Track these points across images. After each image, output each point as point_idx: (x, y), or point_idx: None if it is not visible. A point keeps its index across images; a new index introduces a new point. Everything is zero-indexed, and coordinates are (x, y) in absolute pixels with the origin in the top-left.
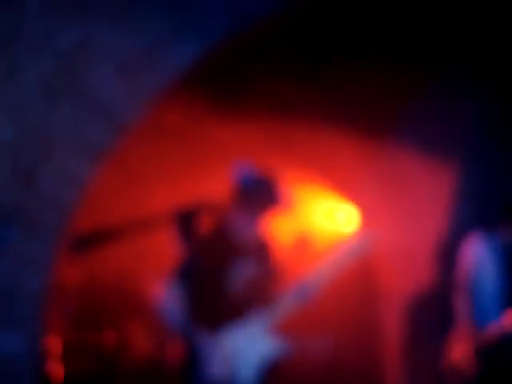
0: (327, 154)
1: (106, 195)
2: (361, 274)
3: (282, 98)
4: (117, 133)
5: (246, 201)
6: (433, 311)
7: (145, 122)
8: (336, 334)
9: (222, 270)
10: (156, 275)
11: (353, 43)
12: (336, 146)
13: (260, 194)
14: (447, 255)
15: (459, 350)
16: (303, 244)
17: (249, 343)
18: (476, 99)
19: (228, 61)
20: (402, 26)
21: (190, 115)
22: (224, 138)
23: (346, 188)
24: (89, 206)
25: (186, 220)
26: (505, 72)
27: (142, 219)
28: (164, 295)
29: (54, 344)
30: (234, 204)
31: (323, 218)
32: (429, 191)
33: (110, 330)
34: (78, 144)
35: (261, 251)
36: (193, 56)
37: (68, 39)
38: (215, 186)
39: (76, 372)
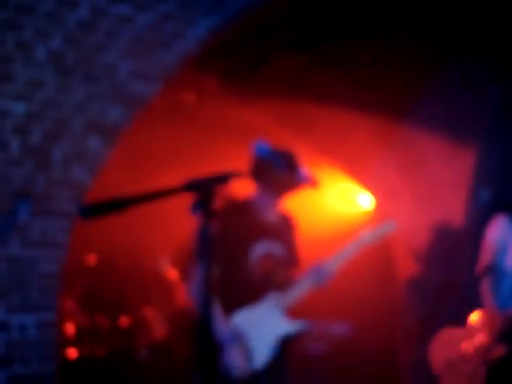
0: (344, 136)
1: (118, 174)
2: (380, 258)
3: (298, 78)
4: (129, 111)
5: (266, 176)
6: (452, 295)
7: (158, 101)
8: (355, 318)
9: (242, 249)
10: (168, 255)
11: (372, 23)
12: (353, 128)
13: (280, 167)
14: (467, 238)
15: (483, 335)
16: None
17: (265, 324)
18: (495, 82)
19: (243, 39)
20: (423, 4)
21: (204, 95)
22: (239, 118)
23: (363, 171)
24: (100, 185)
25: (204, 193)
26: None
27: (154, 190)
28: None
29: (69, 327)
30: (255, 180)
31: (339, 201)
32: (448, 174)
33: (126, 313)
34: (90, 123)
35: (283, 232)
36: (206, 33)
37: (78, 16)
38: (231, 166)
39: (90, 356)
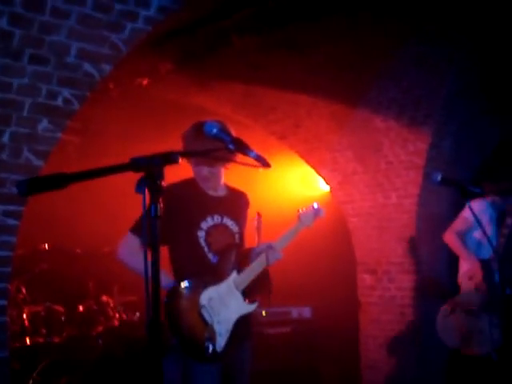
0: (300, 120)
1: (70, 159)
2: (339, 241)
3: (255, 62)
4: (80, 93)
5: (214, 154)
6: (409, 276)
7: (111, 83)
8: (315, 301)
9: (192, 223)
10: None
11: (326, 6)
12: (309, 112)
13: (229, 146)
14: (423, 220)
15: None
16: None
17: (227, 306)
18: (450, 65)
19: (198, 22)
20: None
21: (159, 78)
22: (194, 102)
23: (320, 155)
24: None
25: (149, 172)
26: (480, 38)
27: (98, 167)
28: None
29: (22, 314)
30: (200, 157)
31: (298, 184)
32: (403, 157)
33: (83, 300)
34: (38, 105)
35: (233, 207)
36: (158, 14)
37: None
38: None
39: (45, 343)
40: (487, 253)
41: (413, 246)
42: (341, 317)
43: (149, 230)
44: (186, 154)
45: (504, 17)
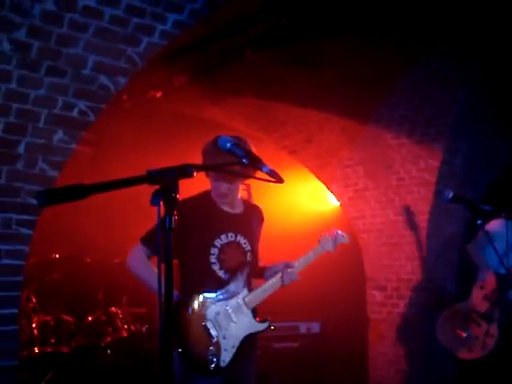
0: (311, 136)
1: (86, 167)
2: (349, 258)
3: (268, 77)
4: (95, 105)
5: (228, 168)
6: (419, 293)
7: (126, 98)
8: (324, 316)
9: (205, 240)
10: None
11: (340, 23)
12: (320, 127)
13: (243, 161)
14: (433, 237)
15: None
16: None
17: (234, 323)
18: (461, 83)
19: (213, 37)
20: (392, 4)
21: (173, 91)
22: (207, 115)
23: (331, 170)
24: (68, 178)
25: (164, 184)
26: (492, 56)
27: (114, 180)
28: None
29: (32, 324)
30: (216, 173)
31: (309, 199)
32: (414, 174)
33: (92, 311)
34: (54, 116)
35: (248, 224)
36: (174, 28)
37: (44, 7)
38: (196, 161)
39: (54, 352)
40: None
41: (423, 263)
42: (349, 333)
43: (163, 243)
44: (201, 167)
45: None
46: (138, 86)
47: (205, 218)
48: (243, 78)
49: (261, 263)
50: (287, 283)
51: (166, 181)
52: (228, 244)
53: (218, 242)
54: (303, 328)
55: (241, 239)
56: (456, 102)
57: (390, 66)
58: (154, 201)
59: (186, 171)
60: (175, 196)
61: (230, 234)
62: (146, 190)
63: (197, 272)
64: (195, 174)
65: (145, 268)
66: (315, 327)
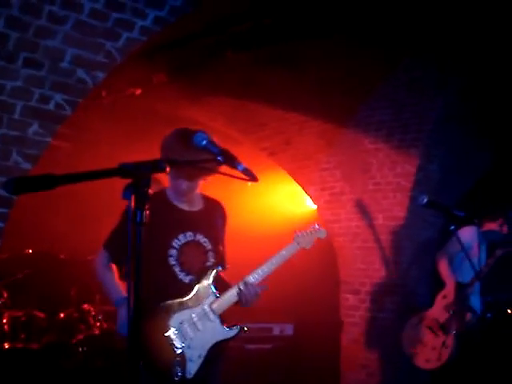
0: (290, 137)
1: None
2: (324, 260)
3: (247, 78)
4: (72, 99)
5: (200, 162)
6: (392, 297)
7: (105, 94)
8: (297, 318)
9: (164, 244)
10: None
11: (321, 25)
12: (299, 130)
13: (218, 157)
14: (408, 243)
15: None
16: None
17: (201, 332)
18: (440, 89)
19: (193, 35)
20: (374, 9)
21: (152, 88)
22: (186, 114)
23: (308, 173)
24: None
25: (136, 178)
26: (470, 66)
27: (85, 171)
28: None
29: (2, 319)
30: (177, 170)
31: (286, 202)
32: (390, 179)
33: (65, 307)
34: (30, 108)
35: (209, 222)
36: (154, 24)
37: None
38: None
39: (24, 348)
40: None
41: (397, 268)
42: (322, 335)
43: (133, 238)
44: (174, 162)
45: (495, 44)
46: (118, 82)
47: (160, 218)
48: (223, 78)
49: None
50: (250, 301)
51: (138, 175)
52: (187, 244)
53: (175, 243)
54: (276, 330)
55: (200, 238)
56: (433, 110)
57: (369, 72)
58: (126, 194)
59: (158, 166)
60: (147, 190)
61: (188, 234)
62: (123, 187)
63: (156, 276)
64: (168, 169)
65: (103, 274)
66: (288, 329)
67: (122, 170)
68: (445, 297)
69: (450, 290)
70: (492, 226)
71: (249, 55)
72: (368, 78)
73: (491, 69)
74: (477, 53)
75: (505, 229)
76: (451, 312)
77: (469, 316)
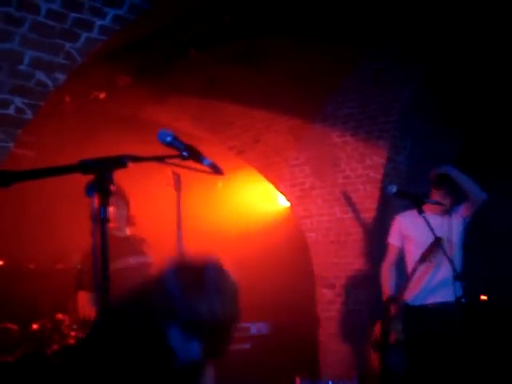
0: (259, 135)
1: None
2: (299, 256)
3: (212, 76)
4: (33, 103)
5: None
6: (364, 292)
7: (69, 99)
8: (274, 316)
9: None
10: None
11: (284, 21)
12: (267, 127)
13: (183, 153)
14: (380, 235)
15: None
16: None
17: None
18: (405, 81)
19: (155, 35)
20: (338, 4)
21: (116, 90)
22: (151, 115)
23: (278, 169)
24: None
25: (99, 174)
26: (434, 56)
27: (45, 167)
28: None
29: None
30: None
31: (259, 200)
32: (360, 172)
33: (37, 319)
34: None
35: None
36: (114, 23)
37: None
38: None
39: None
40: None
41: (370, 260)
42: (300, 332)
43: (98, 237)
44: (136, 158)
45: (459, 32)
46: (81, 86)
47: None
48: (188, 77)
49: None
50: None
51: (100, 171)
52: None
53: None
54: (254, 329)
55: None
56: (399, 101)
57: (333, 65)
58: (89, 191)
59: (120, 161)
60: (109, 187)
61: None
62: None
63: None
64: (129, 164)
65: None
66: (265, 328)
67: (83, 166)
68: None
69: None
70: (435, 197)
71: (212, 53)
72: (332, 71)
73: (453, 56)
74: (438, 41)
75: (447, 201)
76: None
77: (394, 336)
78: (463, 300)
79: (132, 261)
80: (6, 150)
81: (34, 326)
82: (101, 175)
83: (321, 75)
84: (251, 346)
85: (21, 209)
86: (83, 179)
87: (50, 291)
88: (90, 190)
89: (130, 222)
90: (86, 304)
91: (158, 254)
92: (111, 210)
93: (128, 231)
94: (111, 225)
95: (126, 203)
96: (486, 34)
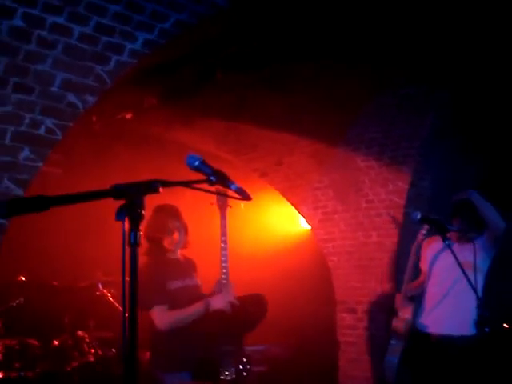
0: (282, 158)
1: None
2: (320, 279)
3: (238, 100)
4: (63, 124)
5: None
6: (385, 317)
7: (96, 119)
8: (294, 340)
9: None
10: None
11: (311, 48)
12: (291, 150)
13: (211, 178)
14: (403, 260)
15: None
16: None
17: None
18: (429, 108)
19: (183, 59)
20: (362, 31)
21: (143, 112)
22: (177, 137)
23: (301, 193)
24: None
25: (130, 199)
26: (459, 82)
27: (78, 192)
28: None
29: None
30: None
31: (281, 222)
32: (383, 197)
33: (58, 335)
34: (21, 133)
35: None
36: (144, 47)
37: (12, 24)
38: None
39: (19, 377)
40: None
41: (393, 285)
42: (320, 356)
43: (128, 258)
44: (167, 183)
45: (483, 59)
46: (108, 106)
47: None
48: (214, 100)
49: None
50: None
51: (131, 195)
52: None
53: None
54: (273, 352)
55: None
56: (424, 126)
57: (359, 90)
58: (119, 216)
59: (151, 186)
60: (141, 211)
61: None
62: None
63: None
64: (161, 189)
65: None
66: (286, 351)
67: (115, 191)
68: None
69: None
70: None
71: (238, 77)
72: (357, 96)
73: (477, 82)
74: (463, 68)
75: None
76: None
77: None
78: (486, 329)
79: (189, 282)
80: (35, 169)
81: (55, 343)
82: (132, 200)
83: (345, 100)
84: (269, 369)
85: (45, 226)
86: (108, 200)
87: (72, 308)
88: (121, 214)
89: (185, 245)
90: (162, 316)
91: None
92: (176, 236)
93: (179, 253)
94: (169, 248)
95: (186, 229)
96: None
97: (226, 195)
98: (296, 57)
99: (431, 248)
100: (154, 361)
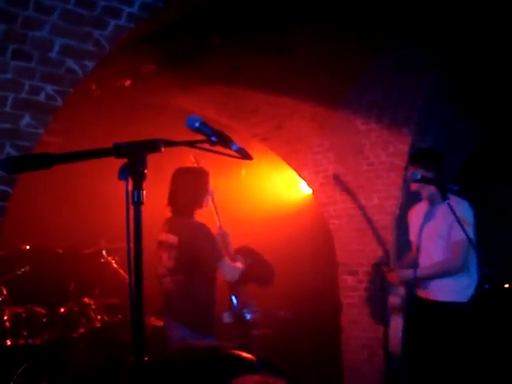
0: (282, 122)
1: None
2: (321, 243)
3: (237, 65)
4: (63, 90)
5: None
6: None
7: (95, 87)
8: (297, 303)
9: None
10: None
11: (307, 9)
12: (291, 114)
13: (212, 139)
14: (403, 222)
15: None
16: None
17: None
18: (428, 68)
19: (180, 24)
20: None
21: (142, 79)
22: (176, 103)
23: (302, 156)
24: None
25: (132, 158)
26: (457, 41)
27: (81, 150)
28: None
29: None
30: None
31: (282, 187)
32: (383, 159)
33: (64, 302)
34: (21, 100)
35: None
36: (141, 11)
37: None
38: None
39: (26, 344)
40: None
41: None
42: (322, 318)
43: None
44: (169, 143)
45: (483, 19)
46: (107, 73)
47: None
48: (213, 65)
49: None
50: None
51: (133, 154)
52: None
53: None
54: (277, 315)
55: None
56: (423, 87)
57: (357, 53)
58: (122, 175)
59: (154, 145)
60: (143, 170)
61: None
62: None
63: None
64: (163, 149)
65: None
66: (289, 314)
67: (117, 150)
68: None
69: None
70: None
71: (236, 42)
72: (356, 59)
73: (478, 44)
74: (463, 29)
75: None
76: None
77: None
78: (486, 286)
79: None
80: (36, 136)
81: (62, 310)
82: (134, 159)
83: (344, 62)
84: (274, 332)
85: (49, 194)
86: (114, 165)
87: (78, 276)
88: (124, 173)
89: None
90: (232, 268)
91: None
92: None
93: None
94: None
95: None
96: None
97: (226, 154)
98: (293, 19)
99: (416, 217)
100: (192, 326)
